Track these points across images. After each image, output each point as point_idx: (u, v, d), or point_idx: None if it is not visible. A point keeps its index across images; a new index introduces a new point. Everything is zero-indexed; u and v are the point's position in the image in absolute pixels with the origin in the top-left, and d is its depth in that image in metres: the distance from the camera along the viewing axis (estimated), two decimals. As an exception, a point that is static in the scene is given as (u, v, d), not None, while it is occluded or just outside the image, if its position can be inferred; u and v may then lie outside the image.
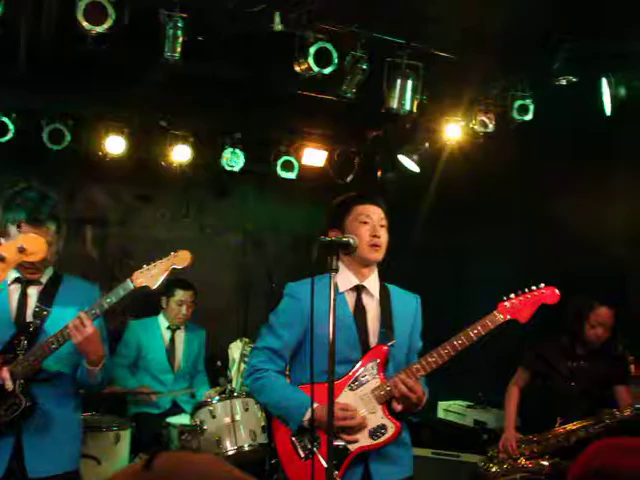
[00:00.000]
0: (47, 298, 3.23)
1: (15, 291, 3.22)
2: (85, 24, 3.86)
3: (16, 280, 3.23)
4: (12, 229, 3.08)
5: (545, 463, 4.35)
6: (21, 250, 2.67)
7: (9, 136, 5.84)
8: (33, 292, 3.24)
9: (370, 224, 3.06)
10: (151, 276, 3.09)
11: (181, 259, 3.13)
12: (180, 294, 5.72)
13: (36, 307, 3.19)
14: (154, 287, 3.11)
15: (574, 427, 4.27)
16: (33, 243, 2.73)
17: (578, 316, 4.42)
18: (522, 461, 4.42)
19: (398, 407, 2.94)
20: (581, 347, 4.47)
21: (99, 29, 3.88)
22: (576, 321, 4.43)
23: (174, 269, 3.15)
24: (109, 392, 5.02)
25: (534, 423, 4.59)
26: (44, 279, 3.27)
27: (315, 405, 2.82)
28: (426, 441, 5.34)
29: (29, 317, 3.18)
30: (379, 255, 3.09)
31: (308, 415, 2.85)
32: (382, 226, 3.10)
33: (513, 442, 4.47)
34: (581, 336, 4.43)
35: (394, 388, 2.92)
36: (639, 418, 4.11)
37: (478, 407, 5.86)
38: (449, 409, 6.02)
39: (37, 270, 3.20)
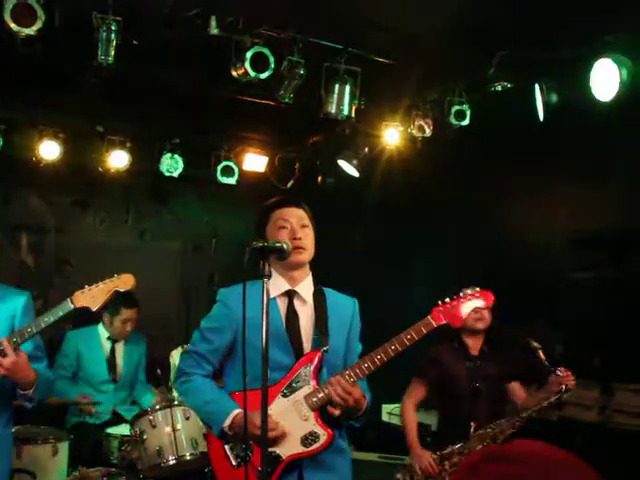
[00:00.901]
0: None
1: None
2: (13, 25, 3.76)
3: None
4: None
5: None
6: None
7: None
8: None
9: (289, 227, 3.00)
10: (92, 297, 3.04)
11: (124, 282, 3.09)
12: (125, 313, 5.59)
13: None
14: (95, 309, 3.06)
15: (496, 427, 4.08)
16: None
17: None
18: (445, 478, 4.10)
19: (335, 412, 2.88)
20: (473, 346, 4.35)
21: (28, 31, 3.78)
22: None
23: (116, 291, 3.10)
24: (47, 403, 4.89)
25: (444, 435, 4.31)
26: None
27: (236, 412, 2.79)
28: (371, 445, 5.35)
29: None
30: (304, 257, 3.02)
31: (229, 421, 2.81)
32: (304, 226, 3.03)
33: (430, 461, 4.16)
34: (466, 328, 4.24)
35: (330, 391, 2.87)
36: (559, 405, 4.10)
37: (421, 409, 5.89)
38: (392, 412, 6.04)
39: None
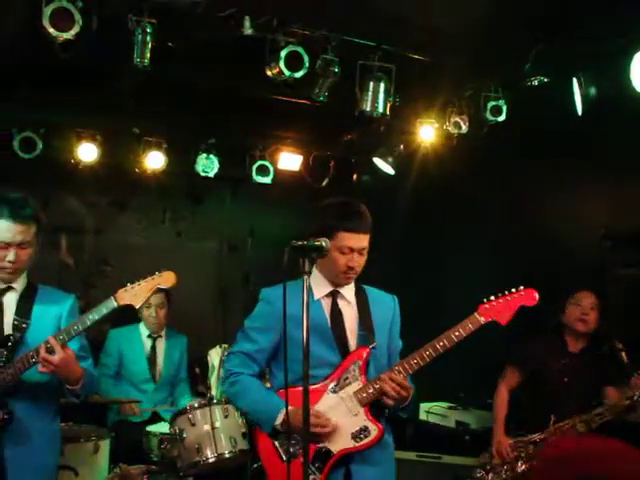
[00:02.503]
0: (25, 310, 3.21)
1: None
2: (52, 30, 3.81)
3: None
4: None
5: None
6: None
7: (-20, 146, 5.80)
8: (9, 302, 3.22)
9: (350, 255, 3.01)
10: (135, 295, 3.08)
11: (166, 279, 3.12)
12: (151, 298, 5.63)
13: (15, 320, 3.17)
14: (138, 306, 3.11)
15: (571, 423, 4.16)
16: None
17: (561, 307, 4.42)
18: (519, 465, 4.26)
19: (389, 401, 2.94)
20: (572, 344, 4.45)
21: (66, 35, 3.83)
22: (561, 312, 4.43)
23: (158, 289, 3.15)
24: (89, 401, 4.97)
25: (524, 423, 4.46)
26: (18, 286, 3.24)
27: (289, 409, 2.81)
28: (408, 443, 5.33)
29: (7, 328, 3.16)
30: (350, 281, 3.11)
31: (280, 419, 2.86)
32: (362, 253, 3.04)
33: (507, 446, 4.32)
34: (569, 326, 4.40)
35: (383, 386, 2.92)
36: (633, 407, 4.08)
37: (459, 408, 5.85)
38: (430, 411, 6.00)
39: (15, 271, 3.17)
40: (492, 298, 3.07)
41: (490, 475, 4.36)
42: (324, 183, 7.05)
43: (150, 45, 4.17)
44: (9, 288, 3.23)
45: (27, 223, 3.12)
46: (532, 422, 4.36)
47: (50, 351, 2.98)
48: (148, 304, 5.62)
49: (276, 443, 2.99)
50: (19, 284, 3.25)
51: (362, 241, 3.02)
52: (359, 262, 3.04)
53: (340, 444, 2.94)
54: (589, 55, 4.36)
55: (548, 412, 4.26)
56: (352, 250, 3.00)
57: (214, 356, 5.80)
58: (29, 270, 3.30)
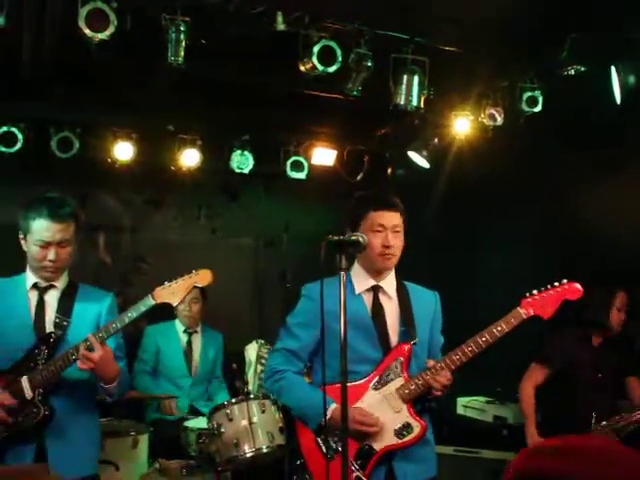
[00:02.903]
0: (66, 308, 3.26)
1: (33, 298, 3.26)
2: (87, 31, 3.87)
3: (34, 286, 3.27)
4: (34, 225, 3.13)
5: None
6: None
7: (18, 146, 5.91)
8: (50, 300, 3.27)
9: (383, 233, 3.02)
10: (172, 293, 3.12)
11: (202, 278, 3.15)
12: None
13: (56, 318, 3.23)
14: (175, 304, 3.15)
15: (623, 421, 4.04)
16: None
17: (602, 304, 4.35)
18: None
19: (437, 392, 2.94)
20: (597, 337, 4.39)
21: (101, 36, 3.88)
22: (601, 310, 4.35)
23: (195, 287, 3.18)
24: (128, 398, 5.03)
25: (554, 420, 4.39)
26: (60, 284, 3.29)
27: (334, 406, 2.85)
28: (446, 438, 5.30)
29: (49, 326, 3.22)
30: (391, 263, 3.07)
31: (328, 415, 2.85)
32: (396, 232, 3.05)
33: None
34: (606, 324, 4.34)
35: (429, 380, 2.92)
36: None
37: (497, 402, 5.81)
38: (468, 405, 5.97)
39: (56, 270, 3.22)
40: (534, 292, 3.03)
41: None
42: (358, 178, 7.04)
43: (184, 43, 4.21)
44: (51, 286, 3.28)
45: (66, 222, 3.16)
46: (569, 420, 4.25)
47: (90, 349, 3.02)
48: (187, 299, 5.67)
49: (318, 440, 3.00)
50: (60, 282, 3.29)
51: (393, 218, 3.04)
52: (394, 242, 3.02)
53: (383, 441, 2.94)
54: (627, 42, 4.27)
55: (588, 409, 4.17)
56: (384, 228, 3.01)
57: (251, 351, 5.84)
58: (69, 269, 3.35)
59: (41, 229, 3.12)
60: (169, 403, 5.43)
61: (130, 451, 4.55)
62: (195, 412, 5.50)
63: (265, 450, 4.46)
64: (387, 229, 3.02)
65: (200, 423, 4.97)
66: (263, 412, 4.56)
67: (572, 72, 4.61)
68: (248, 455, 4.43)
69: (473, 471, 4.99)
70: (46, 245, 3.14)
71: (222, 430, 4.49)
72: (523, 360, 4.82)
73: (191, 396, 5.69)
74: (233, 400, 4.63)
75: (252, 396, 4.64)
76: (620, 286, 4.38)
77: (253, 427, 4.50)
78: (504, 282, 5.47)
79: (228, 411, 4.55)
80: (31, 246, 3.17)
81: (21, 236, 3.22)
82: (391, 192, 3.19)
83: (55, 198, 3.21)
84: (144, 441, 4.68)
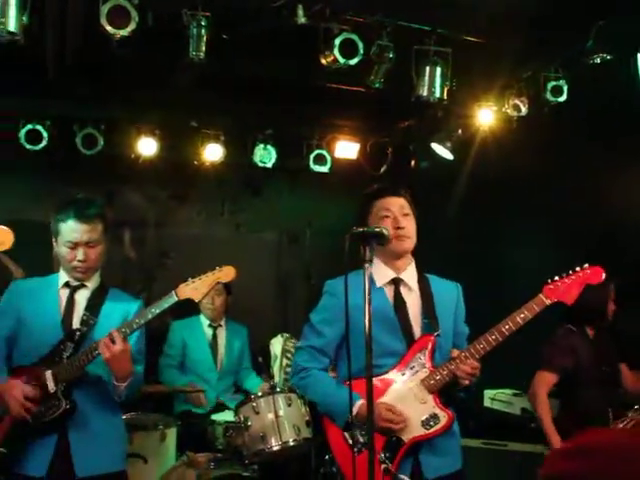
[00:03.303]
0: (94, 307, 3.31)
1: (64, 296, 3.32)
2: (109, 28, 3.89)
3: (65, 284, 3.33)
4: (63, 227, 3.20)
5: None
6: None
7: (44, 143, 5.96)
8: (80, 298, 3.33)
9: (391, 217, 3.04)
10: (195, 289, 3.14)
11: (226, 274, 3.18)
12: None
13: (84, 315, 3.28)
14: (198, 300, 3.17)
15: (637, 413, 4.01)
16: (1, 234, 2.78)
17: (602, 299, 4.27)
18: None
19: (465, 382, 2.94)
20: (591, 330, 4.31)
21: (123, 32, 3.90)
22: (600, 304, 4.28)
23: (219, 283, 3.21)
24: (155, 391, 5.08)
25: (570, 420, 4.23)
26: (91, 284, 3.35)
27: (360, 402, 2.85)
28: (473, 430, 5.28)
29: (75, 323, 3.27)
30: (407, 244, 3.07)
31: (354, 412, 2.85)
32: (405, 215, 3.06)
33: None
34: (603, 317, 4.28)
35: (454, 369, 2.92)
36: None
37: (524, 395, 5.76)
38: (495, 398, 5.93)
39: (87, 270, 3.27)
40: (556, 278, 3.02)
41: None
42: (382, 170, 7.00)
43: (205, 38, 4.21)
44: (82, 286, 3.34)
45: (93, 222, 3.22)
46: (583, 417, 4.14)
47: (112, 341, 3.07)
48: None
49: (345, 434, 3.00)
50: (92, 283, 3.36)
51: (399, 203, 3.07)
52: (405, 224, 3.03)
53: (411, 432, 2.94)
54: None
55: (604, 406, 4.12)
56: (392, 212, 3.04)
57: (276, 345, 5.86)
58: (100, 270, 3.40)
59: (69, 230, 3.18)
60: (197, 395, 5.47)
61: (158, 444, 4.59)
62: (223, 405, 5.53)
63: (292, 443, 4.47)
64: (395, 213, 3.04)
65: (227, 416, 5.01)
66: (289, 405, 4.57)
67: (598, 60, 4.54)
68: (275, 448, 4.45)
69: (501, 464, 4.96)
70: (74, 246, 3.20)
71: (249, 423, 4.52)
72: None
73: (218, 389, 5.72)
74: (260, 393, 4.66)
75: (278, 389, 4.66)
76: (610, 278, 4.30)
77: (280, 420, 4.52)
78: (528, 274, 5.40)
79: (255, 404, 4.57)
80: (61, 247, 3.23)
81: (53, 239, 3.28)
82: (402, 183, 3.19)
83: (82, 199, 3.28)
84: (172, 434, 4.72)
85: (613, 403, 4.10)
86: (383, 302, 3.04)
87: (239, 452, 4.55)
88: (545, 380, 4.33)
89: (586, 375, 4.23)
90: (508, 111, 5.38)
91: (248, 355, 6.01)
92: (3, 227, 2.92)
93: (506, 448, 5.02)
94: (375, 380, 2.54)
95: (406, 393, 2.98)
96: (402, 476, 2.73)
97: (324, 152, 6.79)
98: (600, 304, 4.28)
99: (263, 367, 5.46)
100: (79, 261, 3.21)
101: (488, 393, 5.99)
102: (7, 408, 3.13)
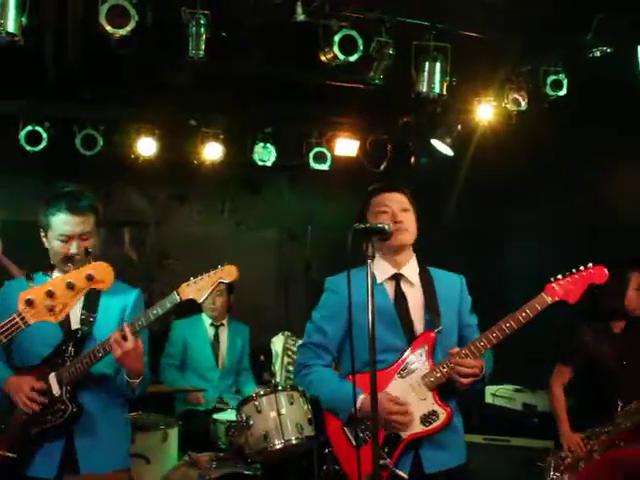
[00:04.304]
0: (91, 304, 3.25)
1: None
2: (108, 28, 3.88)
3: None
4: (54, 220, 3.14)
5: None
6: (89, 278, 2.67)
7: (43, 145, 5.96)
8: None
9: (389, 212, 3.04)
10: (197, 290, 3.08)
11: (227, 273, 3.11)
12: None
13: (82, 314, 3.22)
14: (200, 300, 3.11)
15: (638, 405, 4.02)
16: (102, 271, 2.73)
17: (618, 290, 4.28)
18: (595, 457, 4.09)
19: (464, 381, 2.91)
20: (618, 323, 4.32)
21: (122, 32, 3.89)
22: (617, 296, 4.29)
23: (220, 283, 3.14)
24: (156, 391, 5.07)
25: (587, 416, 4.29)
26: None
27: (363, 396, 2.83)
28: (475, 426, 5.28)
29: (75, 323, 3.21)
30: (406, 237, 3.06)
31: (357, 405, 2.83)
32: (404, 210, 3.07)
33: (579, 441, 4.17)
34: (622, 308, 4.26)
35: (453, 366, 2.90)
36: None
37: (526, 390, 5.77)
38: (497, 393, 5.93)
39: (80, 263, 3.17)
40: (559, 277, 2.99)
41: (567, 476, 4.21)
42: (382, 167, 6.99)
43: (204, 37, 4.20)
44: None
45: (85, 214, 3.15)
46: (598, 412, 4.21)
47: (124, 337, 3.01)
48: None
49: (345, 429, 3.00)
50: None
51: (397, 198, 3.08)
52: (403, 217, 3.04)
53: (410, 429, 2.93)
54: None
55: (613, 399, 4.11)
56: (390, 207, 3.04)
57: (277, 344, 5.85)
58: None
59: (61, 223, 3.12)
60: (196, 394, 5.47)
61: (160, 444, 4.58)
62: (224, 404, 5.52)
63: (294, 442, 4.46)
64: (393, 208, 3.05)
65: (229, 415, 5.00)
66: (292, 404, 4.56)
67: (598, 54, 4.53)
68: (277, 447, 4.44)
69: (503, 460, 4.96)
70: (67, 239, 3.13)
71: (251, 422, 4.51)
72: (552, 348, 4.77)
73: (219, 388, 5.72)
74: (261, 392, 4.65)
75: (280, 388, 4.65)
76: (635, 267, 4.30)
77: (282, 419, 4.51)
78: (529, 269, 5.41)
79: (257, 403, 4.56)
80: (53, 241, 3.16)
81: (42, 233, 3.21)
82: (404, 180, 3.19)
83: (72, 192, 3.21)
84: (174, 434, 4.71)
85: (627, 395, 4.04)
86: (383, 298, 3.04)
87: (241, 451, 4.54)
88: (560, 374, 4.43)
89: (600, 367, 4.25)
90: (508, 106, 5.37)
91: (248, 355, 6.01)
92: (103, 263, 2.88)
93: (508, 444, 5.01)
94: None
95: (406, 389, 2.97)
96: (399, 472, 2.70)
97: (324, 150, 6.79)
98: (617, 298, 4.29)
99: (265, 365, 5.45)
100: (73, 253, 3.14)
101: (490, 389, 5.99)
102: (15, 402, 3.08)
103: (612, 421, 4.08)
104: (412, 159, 7.03)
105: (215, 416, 5.07)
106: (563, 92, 5.02)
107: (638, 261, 4.33)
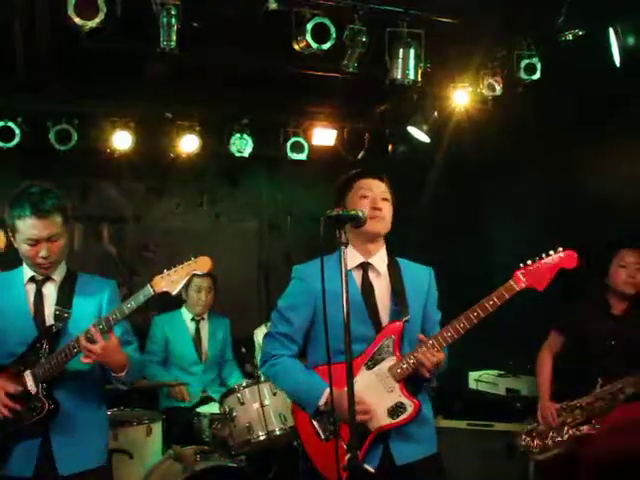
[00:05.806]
0: (65, 299, 3.21)
1: (31, 291, 3.21)
2: (77, 20, 3.83)
3: (31, 279, 3.21)
4: (20, 224, 3.06)
5: (593, 431, 4.05)
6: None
7: (16, 140, 5.89)
8: (48, 292, 3.22)
9: (370, 197, 3.01)
10: (172, 282, 3.05)
11: (201, 265, 3.09)
12: (197, 281, 5.68)
13: (56, 310, 3.18)
14: (174, 293, 3.07)
15: (620, 385, 4.05)
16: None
17: (605, 267, 4.32)
18: (566, 430, 4.17)
19: (427, 374, 2.88)
20: (616, 305, 4.34)
21: (91, 24, 3.84)
22: (604, 272, 4.33)
23: (194, 274, 3.13)
24: (139, 387, 5.03)
25: (569, 388, 4.33)
26: (57, 277, 3.24)
27: (328, 391, 2.76)
28: (458, 412, 5.30)
29: (48, 318, 3.18)
30: (381, 226, 3.02)
31: (323, 400, 2.83)
32: (384, 199, 3.03)
33: (553, 412, 4.22)
34: (614, 288, 4.30)
35: (419, 358, 2.86)
36: None
37: (509, 375, 5.79)
38: (480, 379, 5.95)
39: (51, 264, 3.16)
40: (528, 262, 2.94)
41: (536, 441, 4.28)
42: (359, 156, 6.98)
43: (175, 27, 4.16)
44: (48, 279, 3.22)
45: (52, 216, 3.07)
46: (578, 387, 4.24)
47: (91, 340, 2.98)
48: (199, 288, 5.68)
49: (314, 422, 2.96)
50: (58, 274, 3.23)
51: (379, 186, 3.05)
52: (383, 206, 3.01)
53: (377, 421, 2.88)
54: (625, 2, 4.19)
55: (595, 376, 4.15)
56: (371, 193, 3.01)
57: (260, 335, 5.83)
58: (71, 260, 3.30)
59: (28, 228, 3.04)
60: (180, 389, 5.44)
61: (144, 439, 4.55)
62: (208, 398, 5.50)
63: (278, 432, 4.47)
64: (375, 194, 3.02)
65: (212, 408, 4.99)
66: (274, 394, 4.57)
67: (570, 37, 4.54)
68: (261, 438, 4.45)
69: (487, 445, 4.98)
70: (35, 243, 3.07)
71: (234, 414, 4.51)
72: (534, 332, 4.79)
73: (203, 382, 5.70)
74: (244, 384, 4.64)
75: (263, 379, 4.65)
76: (626, 246, 4.32)
77: (265, 410, 4.51)
78: (506, 254, 5.42)
79: (239, 395, 4.56)
80: (21, 245, 3.10)
81: (10, 234, 3.15)
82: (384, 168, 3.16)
83: (36, 192, 3.08)
84: (157, 429, 4.68)
85: (610, 375, 4.08)
86: (351, 287, 2.91)
87: (225, 443, 4.54)
88: (553, 340, 4.51)
89: (589, 343, 4.26)
90: (483, 91, 5.37)
91: (230, 347, 5.99)
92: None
93: (492, 428, 5.04)
94: (341, 367, 2.48)
95: (373, 380, 2.92)
96: (366, 466, 2.70)
97: (301, 139, 6.76)
98: (602, 275, 4.34)
99: (246, 357, 5.44)
100: (42, 258, 3.08)
101: (473, 375, 6.01)
102: None
103: (588, 398, 4.13)
104: (390, 147, 7.02)
105: (198, 409, 5.06)
106: (537, 76, 5.03)
107: (622, 240, 4.37)
